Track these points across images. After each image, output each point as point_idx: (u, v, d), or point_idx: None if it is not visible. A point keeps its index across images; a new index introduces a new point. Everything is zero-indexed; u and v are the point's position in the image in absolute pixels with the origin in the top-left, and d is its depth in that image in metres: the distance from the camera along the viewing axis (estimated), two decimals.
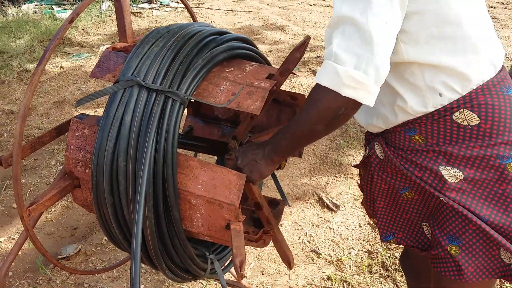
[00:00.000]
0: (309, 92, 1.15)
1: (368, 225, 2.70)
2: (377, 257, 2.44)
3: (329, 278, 2.32)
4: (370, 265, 2.40)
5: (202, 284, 2.27)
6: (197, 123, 1.89)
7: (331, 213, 2.82)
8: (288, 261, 1.58)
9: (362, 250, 2.51)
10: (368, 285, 2.28)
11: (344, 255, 2.48)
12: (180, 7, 7.66)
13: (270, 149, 1.28)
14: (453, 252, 1.23)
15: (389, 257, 2.42)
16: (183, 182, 1.28)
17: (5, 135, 3.75)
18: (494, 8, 7.54)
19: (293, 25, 6.75)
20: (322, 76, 1.08)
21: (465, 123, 1.17)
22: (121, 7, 1.51)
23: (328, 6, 8.03)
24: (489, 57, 1.18)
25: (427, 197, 1.29)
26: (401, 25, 1.09)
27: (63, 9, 7.41)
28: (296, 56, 1.31)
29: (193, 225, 1.34)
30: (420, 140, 1.23)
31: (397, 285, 2.27)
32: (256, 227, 1.57)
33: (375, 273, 2.35)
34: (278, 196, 2.49)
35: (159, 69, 1.30)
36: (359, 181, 1.68)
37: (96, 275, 2.33)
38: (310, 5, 8.16)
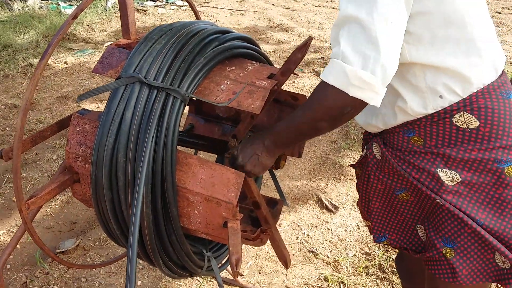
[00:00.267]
0: (314, 88, 1.15)
1: (366, 227, 2.70)
2: (374, 259, 2.45)
3: (325, 279, 2.32)
4: (367, 266, 2.41)
5: (199, 281, 2.28)
6: (198, 121, 1.90)
7: (330, 214, 2.82)
8: (285, 261, 1.59)
9: (359, 252, 2.51)
10: (364, 286, 2.28)
11: (341, 256, 2.48)
12: (186, 5, 7.67)
13: (271, 141, 1.27)
14: (448, 254, 1.23)
15: (386, 259, 2.43)
16: (181, 179, 1.29)
17: (7, 128, 3.77)
18: (500, 13, 7.52)
19: (298, 26, 6.75)
20: (329, 74, 1.08)
21: (464, 126, 1.17)
22: (125, 3, 1.51)
23: (333, 8, 8.03)
24: (491, 61, 1.18)
25: (423, 199, 1.29)
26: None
27: (69, 5, 7.42)
28: (298, 56, 1.31)
29: (190, 222, 1.35)
30: (419, 142, 1.24)
31: (393, 287, 2.27)
32: (254, 226, 1.57)
33: (372, 275, 2.35)
34: (277, 196, 2.50)
35: (161, 67, 1.31)
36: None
37: (94, 270, 2.34)
38: (316, 6, 8.17)
